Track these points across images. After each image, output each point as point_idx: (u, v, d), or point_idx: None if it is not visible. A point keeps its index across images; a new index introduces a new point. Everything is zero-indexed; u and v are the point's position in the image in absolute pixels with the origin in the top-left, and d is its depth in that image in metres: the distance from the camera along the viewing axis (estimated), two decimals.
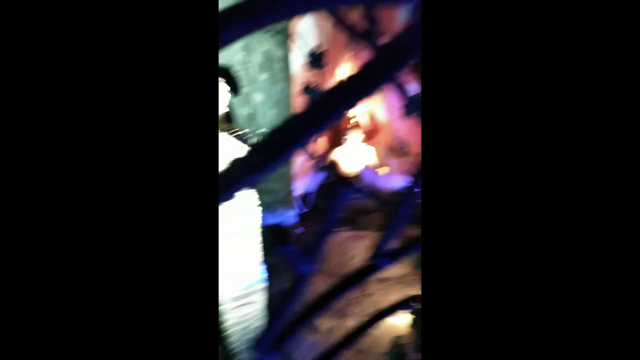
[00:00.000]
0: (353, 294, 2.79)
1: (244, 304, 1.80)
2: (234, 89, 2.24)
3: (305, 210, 3.71)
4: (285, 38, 2.39)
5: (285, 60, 2.43)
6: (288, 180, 2.75)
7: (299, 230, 3.13)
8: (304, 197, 3.90)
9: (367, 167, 4.05)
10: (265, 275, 1.90)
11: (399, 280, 2.91)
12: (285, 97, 2.51)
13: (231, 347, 1.76)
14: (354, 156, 4.05)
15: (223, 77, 2.03)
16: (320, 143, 4.31)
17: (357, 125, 4.14)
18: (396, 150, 4.07)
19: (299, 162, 3.76)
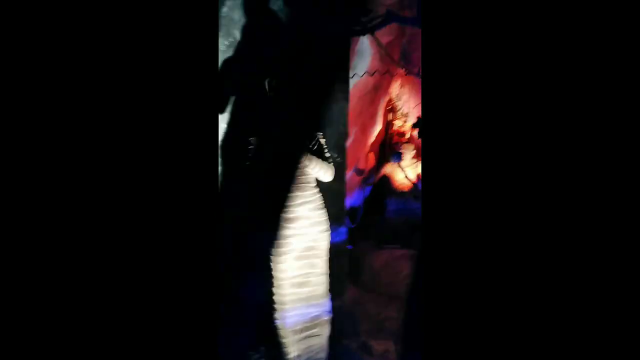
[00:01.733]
0: (408, 317, 2.68)
1: (308, 337, 1.67)
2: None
3: (352, 226, 3.68)
4: (345, 59, 2.45)
5: (344, 81, 2.49)
6: (341, 196, 2.77)
7: (349, 247, 3.10)
8: (352, 213, 3.88)
9: (418, 182, 3.94)
10: (330, 306, 1.76)
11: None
12: (341, 117, 2.55)
13: None
14: (406, 171, 3.96)
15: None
16: (369, 158, 4.29)
17: (410, 140, 4.07)
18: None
19: (348, 177, 3.77)
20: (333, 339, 2.29)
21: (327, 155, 1.59)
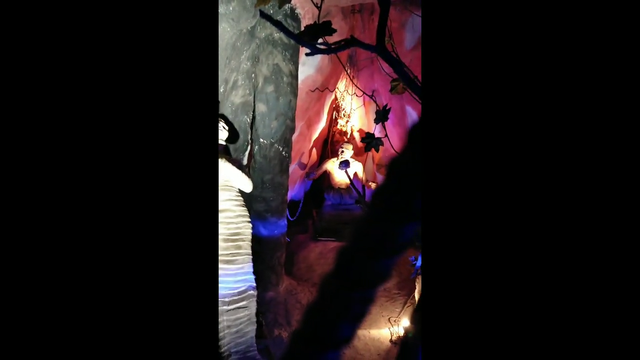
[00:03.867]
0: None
1: (237, 308, 1.86)
2: (233, 137, 2.41)
3: (292, 219, 3.75)
4: (295, 53, 2.46)
5: (293, 75, 2.49)
6: (283, 189, 2.79)
7: (287, 239, 3.16)
8: (292, 207, 3.94)
9: (355, 181, 4.18)
10: (254, 283, 1.99)
11: (382, 294, 2.97)
12: (289, 111, 2.56)
13: (223, 349, 1.80)
14: (348, 172, 4.17)
15: (225, 122, 2.15)
16: (312, 153, 4.38)
17: (350, 141, 4.28)
18: (385, 167, 4.24)
19: (291, 170, 3.81)
20: (264, 324, 2.34)
21: (246, 172, 2.06)
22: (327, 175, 4.17)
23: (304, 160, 4.20)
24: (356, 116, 4.55)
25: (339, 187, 4.10)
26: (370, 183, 4.24)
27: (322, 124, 4.18)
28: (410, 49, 3.23)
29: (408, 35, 3.21)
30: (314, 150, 4.48)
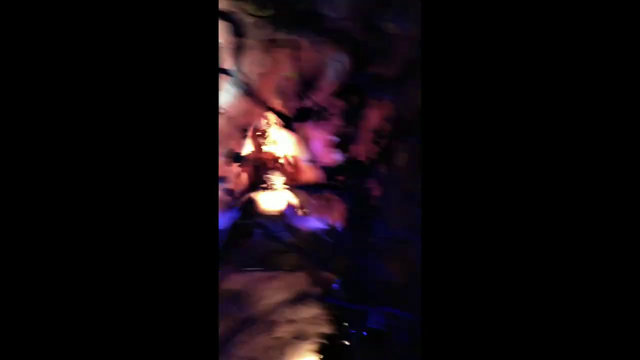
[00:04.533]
0: (261, 338, 2.71)
1: None
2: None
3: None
4: None
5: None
6: None
7: None
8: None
9: (286, 208, 4.17)
10: None
11: (310, 321, 2.91)
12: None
13: None
14: (274, 197, 4.16)
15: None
16: (241, 179, 4.30)
17: (280, 167, 4.30)
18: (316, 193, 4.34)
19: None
20: None
21: None
22: (256, 203, 4.10)
23: (230, 186, 4.09)
24: (289, 143, 4.63)
25: (269, 215, 4.05)
26: (302, 210, 4.29)
27: (249, 149, 4.18)
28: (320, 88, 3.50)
29: (329, 73, 3.51)
30: (244, 175, 4.41)
